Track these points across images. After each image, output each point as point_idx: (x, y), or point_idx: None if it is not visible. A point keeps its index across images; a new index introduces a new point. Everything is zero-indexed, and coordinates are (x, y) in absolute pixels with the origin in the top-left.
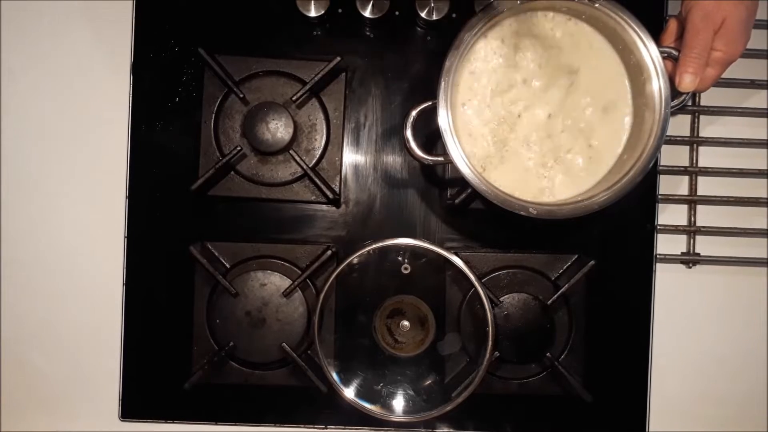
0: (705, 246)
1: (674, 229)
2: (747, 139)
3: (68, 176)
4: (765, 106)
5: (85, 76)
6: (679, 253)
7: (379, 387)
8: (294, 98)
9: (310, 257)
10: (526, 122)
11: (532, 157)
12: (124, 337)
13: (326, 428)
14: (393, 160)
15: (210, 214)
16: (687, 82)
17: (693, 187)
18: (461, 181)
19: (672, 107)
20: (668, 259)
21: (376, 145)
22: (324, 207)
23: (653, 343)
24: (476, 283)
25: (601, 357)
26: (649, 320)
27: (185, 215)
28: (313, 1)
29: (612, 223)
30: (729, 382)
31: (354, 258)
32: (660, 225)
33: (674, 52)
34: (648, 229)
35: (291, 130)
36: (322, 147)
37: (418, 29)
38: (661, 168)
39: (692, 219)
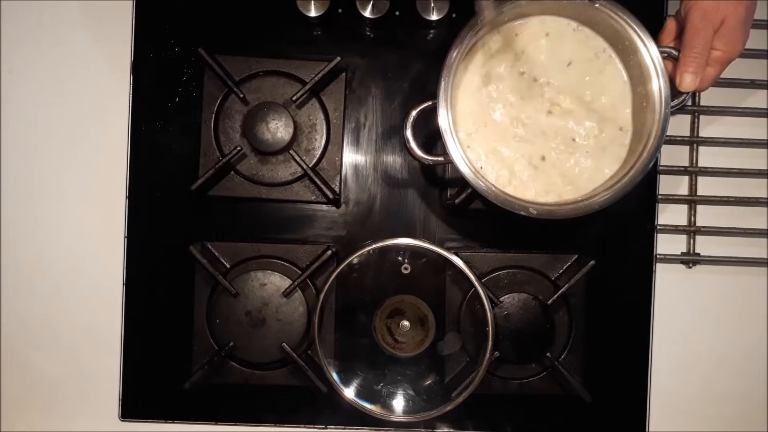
0: (705, 246)
1: (674, 229)
2: (747, 139)
3: (68, 176)
4: (765, 106)
5: (85, 76)
6: (679, 253)
7: (379, 387)
8: (294, 98)
9: (310, 257)
10: (526, 122)
11: (529, 153)
12: (124, 337)
13: (326, 428)
14: (393, 160)
15: (210, 214)
16: (687, 81)
17: (693, 187)
18: (461, 181)
19: (672, 107)
20: (668, 259)
21: (376, 145)
22: (324, 207)
23: (653, 343)
24: (476, 283)
25: (601, 357)
26: (649, 320)
27: (185, 215)
28: (313, 1)
29: (612, 223)
30: (729, 382)
31: (354, 258)
32: (660, 225)
33: (674, 52)
34: (648, 229)
35: (291, 130)
36: (322, 147)
37: (418, 29)
38: (661, 168)
39: (692, 219)
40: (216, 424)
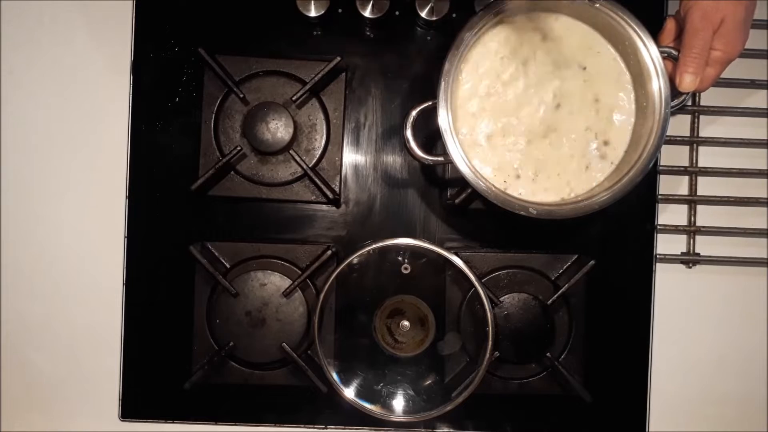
0: (705, 246)
1: (674, 229)
2: (747, 139)
3: (68, 176)
4: (765, 106)
5: (85, 76)
6: (679, 253)
7: (379, 387)
8: (294, 98)
9: (310, 257)
10: (526, 123)
11: (528, 154)
12: (124, 337)
13: (326, 428)
14: (393, 160)
15: (210, 214)
16: (687, 81)
17: (693, 187)
18: (461, 181)
19: (672, 107)
20: (668, 259)
21: (376, 145)
22: (324, 207)
23: (653, 343)
24: (476, 283)
25: (601, 357)
26: (649, 320)
27: (185, 215)
28: (313, 1)
29: (612, 223)
30: (729, 382)
31: (354, 258)
32: (660, 225)
33: (674, 52)
34: (648, 229)
35: (291, 130)
36: (322, 147)
37: (418, 29)
38: (661, 168)
39: (692, 219)
40: (216, 424)
